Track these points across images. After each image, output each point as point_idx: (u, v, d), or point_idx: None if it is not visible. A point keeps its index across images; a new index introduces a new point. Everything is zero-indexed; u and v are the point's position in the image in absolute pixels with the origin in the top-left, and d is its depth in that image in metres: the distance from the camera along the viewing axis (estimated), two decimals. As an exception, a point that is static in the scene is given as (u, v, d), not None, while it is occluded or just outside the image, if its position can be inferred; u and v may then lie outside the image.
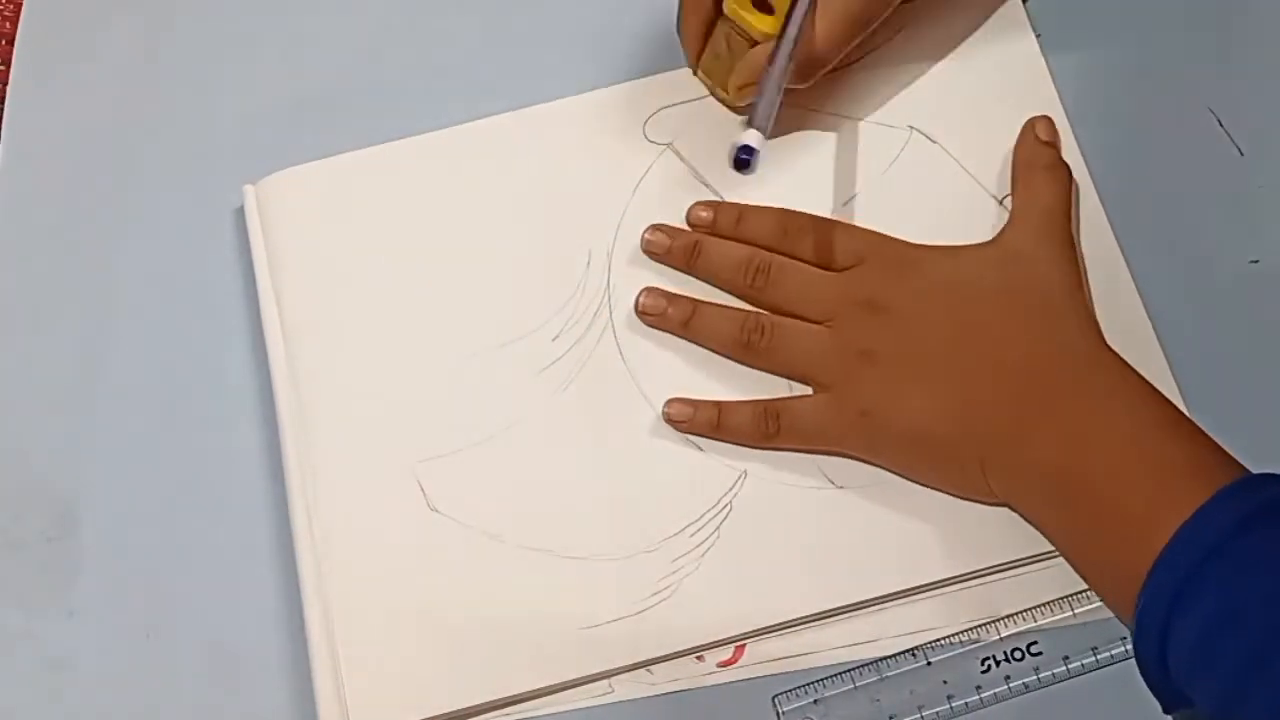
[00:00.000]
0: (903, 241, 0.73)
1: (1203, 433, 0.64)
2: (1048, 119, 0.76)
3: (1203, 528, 0.59)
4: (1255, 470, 0.62)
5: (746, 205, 0.76)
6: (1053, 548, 0.67)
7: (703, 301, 0.74)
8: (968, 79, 0.79)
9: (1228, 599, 0.58)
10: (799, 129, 0.79)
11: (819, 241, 0.74)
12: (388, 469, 0.73)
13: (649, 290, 0.75)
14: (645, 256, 0.76)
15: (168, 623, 0.72)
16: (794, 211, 0.75)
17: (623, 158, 0.79)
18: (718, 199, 0.77)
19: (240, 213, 0.79)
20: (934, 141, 0.78)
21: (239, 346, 0.77)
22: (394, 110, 0.81)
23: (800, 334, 0.72)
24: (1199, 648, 0.58)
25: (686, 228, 0.76)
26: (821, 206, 0.76)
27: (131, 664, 0.71)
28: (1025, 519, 0.67)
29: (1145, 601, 0.59)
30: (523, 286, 0.76)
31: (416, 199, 0.79)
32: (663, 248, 0.76)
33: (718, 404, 0.72)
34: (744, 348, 0.72)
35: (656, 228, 0.76)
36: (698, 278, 0.75)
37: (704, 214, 0.76)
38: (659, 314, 0.74)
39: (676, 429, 0.72)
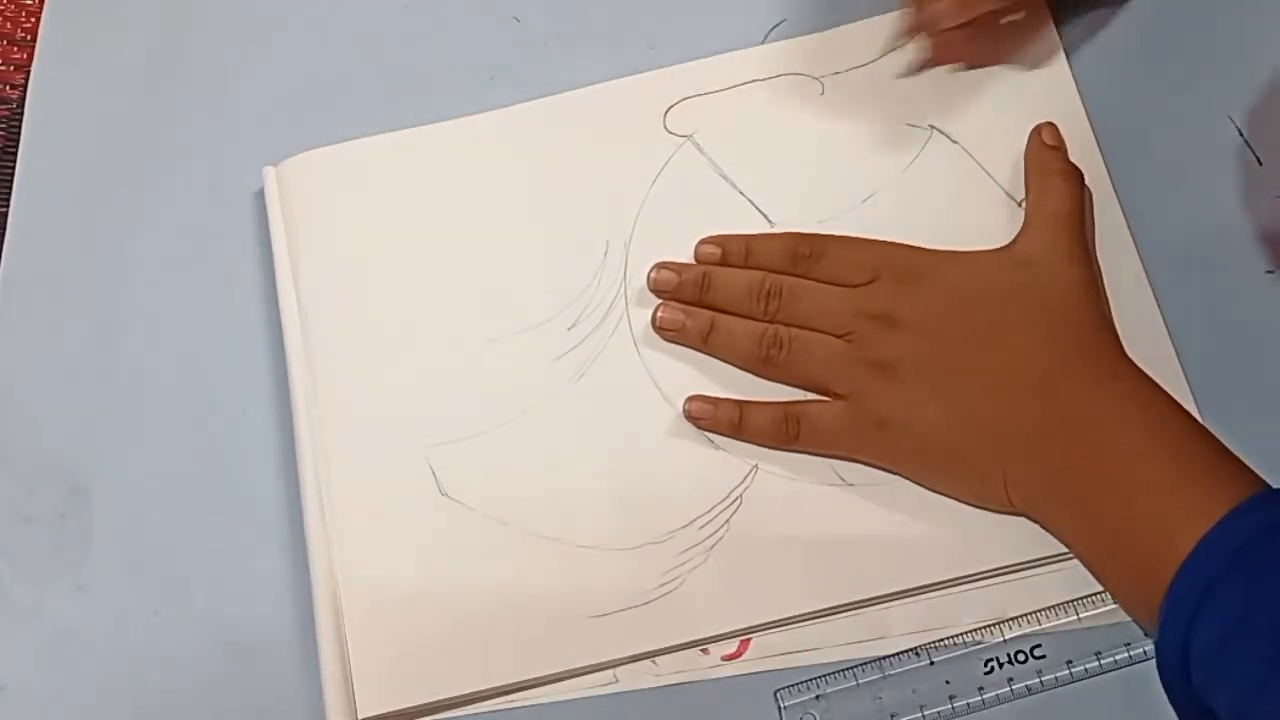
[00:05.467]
0: (915, 250, 0.73)
1: (1219, 443, 0.64)
2: (1052, 125, 0.76)
3: (1226, 536, 0.59)
4: (1271, 481, 0.62)
5: (753, 236, 0.76)
6: (1059, 551, 0.67)
7: (720, 314, 0.74)
8: (991, 80, 0.79)
9: (1251, 604, 0.58)
10: (821, 124, 0.79)
11: (831, 262, 0.74)
12: (400, 453, 0.73)
13: (666, 304, 0.75)
14: (662, 249, 0.76)
15: (176, 601, 0.72)
16: (801, 235, 0.75)
17: (642, 149, 0.79)
18: (736, 194, 0.77)
19: (260, 194, 0.80)
20: (955, 142, 0.78)
21: (255, 327, 0.77)
22: (415, 96, 0.82)
23: (817, 346, 0.72)
24: (1220, 650, 0.58)
25: (692, 261, 0.76)
26: (841, 203, 0.76)
27: (138, 641, 0.71)
28: (1045, 529, 0.67)
29: (1169, 607, 0.60)
30: (539, 274, 0.77)
31: (436, 185, 0.79)
32: (670, 284, 0.75)
33: (739, 404, 0.72)
34: (762, 362, 0.72)
35: (662, 265, 0.76)
36: (712, 309, 0.74)
37: (711, 249, 0.76)
38: (677, 329, 0.74)
39: (696, 426, 0.72)
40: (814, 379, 0.72)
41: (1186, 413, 0.66)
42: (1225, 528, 0.59)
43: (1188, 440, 0.64)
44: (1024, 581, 0.68)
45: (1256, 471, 0.63)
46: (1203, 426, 0.65)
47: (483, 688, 0.68)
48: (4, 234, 0.81)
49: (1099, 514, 0.65)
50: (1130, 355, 0.69)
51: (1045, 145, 0.75)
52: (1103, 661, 0.67)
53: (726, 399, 0.72)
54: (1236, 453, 0.64)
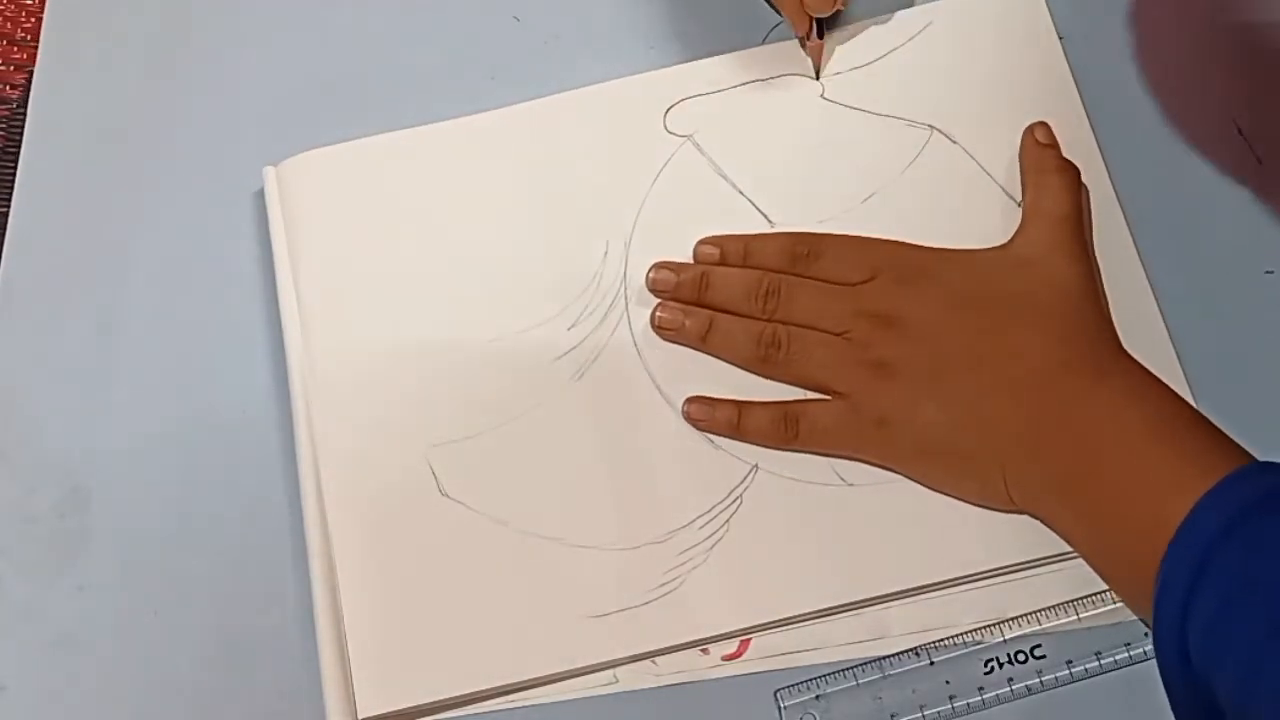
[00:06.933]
0: (915, 248, 0.73)
1: (1220, 433, 0.64)
2: (1044, 124, 0.76)
3: (1217, 507, 0.59)
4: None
5: (752, 236, 0.76)
6: (1059, 551, 0.67)
7: (719, 313, 0.74)
8: (990, 80, 0.79)
9: (1245, 572, 0.58)
10: (820, 124, 0.79)
11: (829, 261, 0.74)
12: (400, 453, 0.73)
13: (664, 304, 0.75)
14: (662, 249, 0.76)
15: (175, 602, 0.72)
16: (800, 234, 0.75)
17: (642, 148, 0.79)
18: (736, 194, 0.77)
19: (260, 194, 0.80)
20: (954, 142, 0.78)
21: (255, 327, 0.77)
22: (415, 96, 0.82)
23: (816, 345, 0.72)
24: (1217, 621, 0.58)
25: (691, 260, 0.76)
26: (841, 203, 0.76)
27: (138, 642, 0.71)
28: (1045, 525, 0.67)
29: (1163, 580, 0.60)
30: (540, 274, 0.77)
31: (436, 184, 0.79)
32: (669, 284, 0.75)
33: (737, 404, 0.72)
34: (761, 362, 0.72)
35: (661, 265, 0.76)
36: (710, 309, 0.74)
37: (710, 249, 0.76)
38: (676, 328, 0.74)
39: (695, 427, 0.72)
40: (813, 378, 0.72)
41: (1186, 405, 0.66)
42: (1216, 498, 0.59)
43: (1186, 433, 0.64)
44: (1024, 581, 0.68)
45: (1252, 454, 0.63)
46: (1203, 417, 0.65)
47: (483, 688, 0.68)
48: (4, 234, 0.81)
49: (1098, 509, 0.65)
50: (1128, 352, 0.69)
51: (1039, 144, 0.75)
52: (1103, 661, 0.67)
53: (725, 400, 0.72)
54: (1234, 450, 0.64)
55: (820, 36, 0.79)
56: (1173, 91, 0.77)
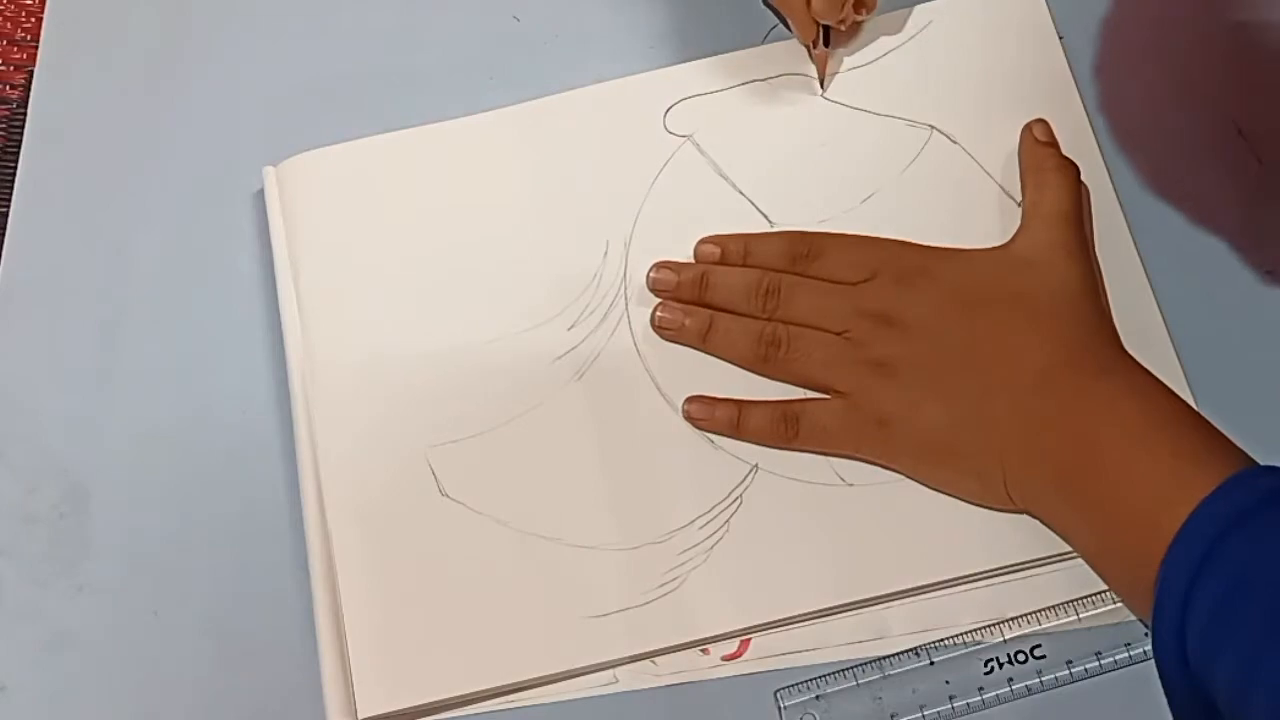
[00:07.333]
0: (915, 248, 0.73)
1: (1217, 431, 0.64)
2: (1043, 121, 0.76)
3: (1218, 508, 0.59)
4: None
5: (752, 235, 0.76)
6: (1059, 551, 0.67)
7: (719, 313, 0.74)
8: (990, 80, 0.79)
9: (1245, 570, 0.58)
10: (820, 124, 0.79)
11: (829, 260, 0.74)
12: (400, 453, 0.73)
13: (664, 304, 0.75)
14: (662, 248, 0.76)
15: (175, 602, 0.72)
16: (800, 233, 0.75)
17: (642, 148, 0.79)
18: (736, 194, 0.77)
19: (260, 194, 0.80)
20: (955, 142, 0.78)
21: (255, 328, 0.77)
22: (415, 96, 0.82)
23: (816, 344, 0.72)
24: (1217, 618, 0.58)
25: (691, 260, 0.76)
26: (841, 203, 0.76)
27: (138, 642, 0.71)
28: (1045, 524, 0.67)
29: (1163, 580, 0.60)
30: (539, 275, 0.77)
31: (436, 184, 0.79)
32: (670, 284, 0.75)
33: (737, 404, 0.72)
34: (761, 361, 0.72)
35: (661, 265, 0.76)
36: (711, 308, 0.74)
37: (711, 248, 0.76)
38: (676, 328, 0.74)
39: (695, 427, 0.72)
40: (813, 377, 0.72)
41: (1184, 403, 0.66)
42: (1218, 500, 0.60)
43: (1185, 429, 0.64)
44: (1024, 581, 0.68)
45: (1250, 455, 0.63)
46: (1202, 417, 0.65)
47: (483, 688, 0.68)
48: (4, 234, 0.81)
49: (1098, 507, 0.65)
50: (1129, 351, 0.69)
51: (1038, 142, 0.75)
52: (1103, 661, 0.67)
53: (725, 399, 0.72)
54: (1234, 450, 0.64)
55: (827, 45, 0.79)
56: (1141, 151, 0.77)
